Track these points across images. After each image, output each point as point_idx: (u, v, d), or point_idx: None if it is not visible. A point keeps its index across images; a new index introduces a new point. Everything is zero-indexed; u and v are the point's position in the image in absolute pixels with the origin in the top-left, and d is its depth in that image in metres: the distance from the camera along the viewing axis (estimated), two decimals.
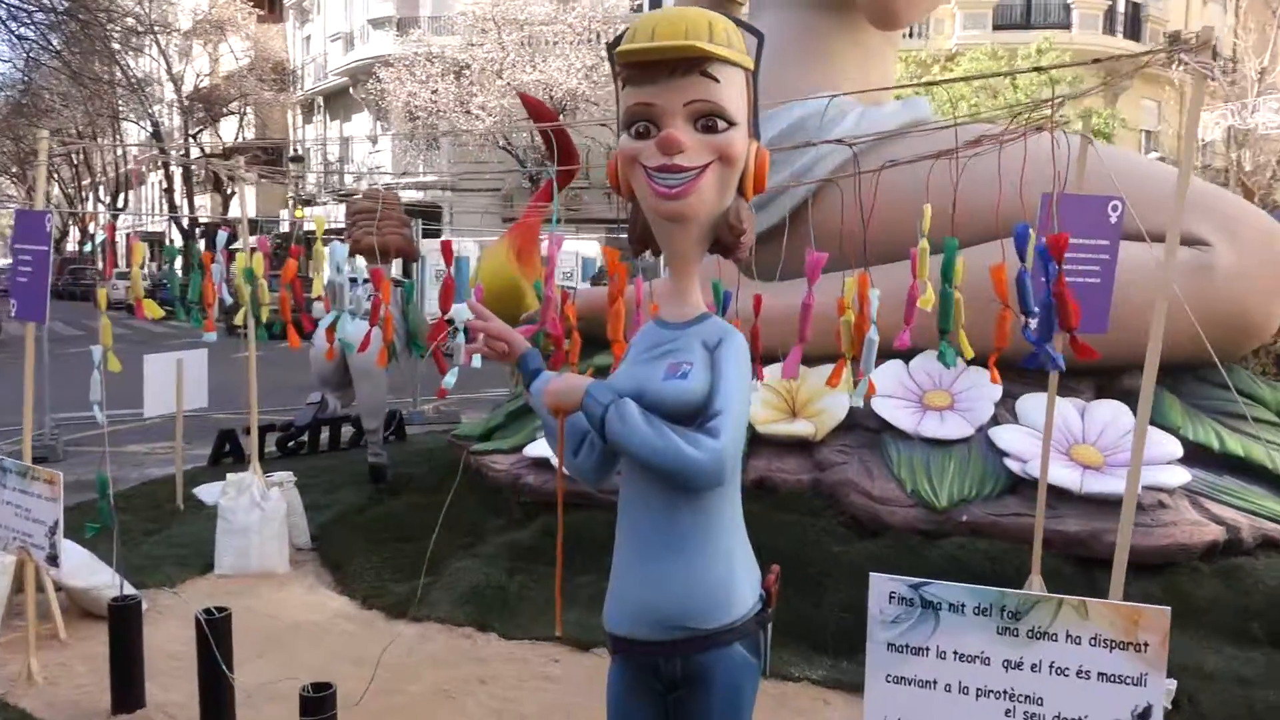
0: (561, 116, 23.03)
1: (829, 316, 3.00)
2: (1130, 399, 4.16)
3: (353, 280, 4.33)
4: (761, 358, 3.14)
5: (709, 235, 1.79)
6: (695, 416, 1.66)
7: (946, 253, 2.74)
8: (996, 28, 24.98)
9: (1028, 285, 2.54)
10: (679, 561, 1.67)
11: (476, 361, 4.74)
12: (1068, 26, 24.14)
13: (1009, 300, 2.60)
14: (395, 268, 8.84)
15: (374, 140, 28.27)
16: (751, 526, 1.77)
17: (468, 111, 22.49)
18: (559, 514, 1.88)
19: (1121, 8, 25.65)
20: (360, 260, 4.74)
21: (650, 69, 1.70)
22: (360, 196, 6.66)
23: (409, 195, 26.12)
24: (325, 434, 7.39)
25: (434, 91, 22.64)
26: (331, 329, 4.15)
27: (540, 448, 4.69)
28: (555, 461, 4.18)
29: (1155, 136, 27.83)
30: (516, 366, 1.99)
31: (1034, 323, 2.52)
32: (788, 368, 2.94)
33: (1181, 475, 3.85)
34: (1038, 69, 3.65)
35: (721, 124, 1.71)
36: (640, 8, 26.65)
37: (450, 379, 4.74)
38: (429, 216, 25.11)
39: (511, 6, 23.11)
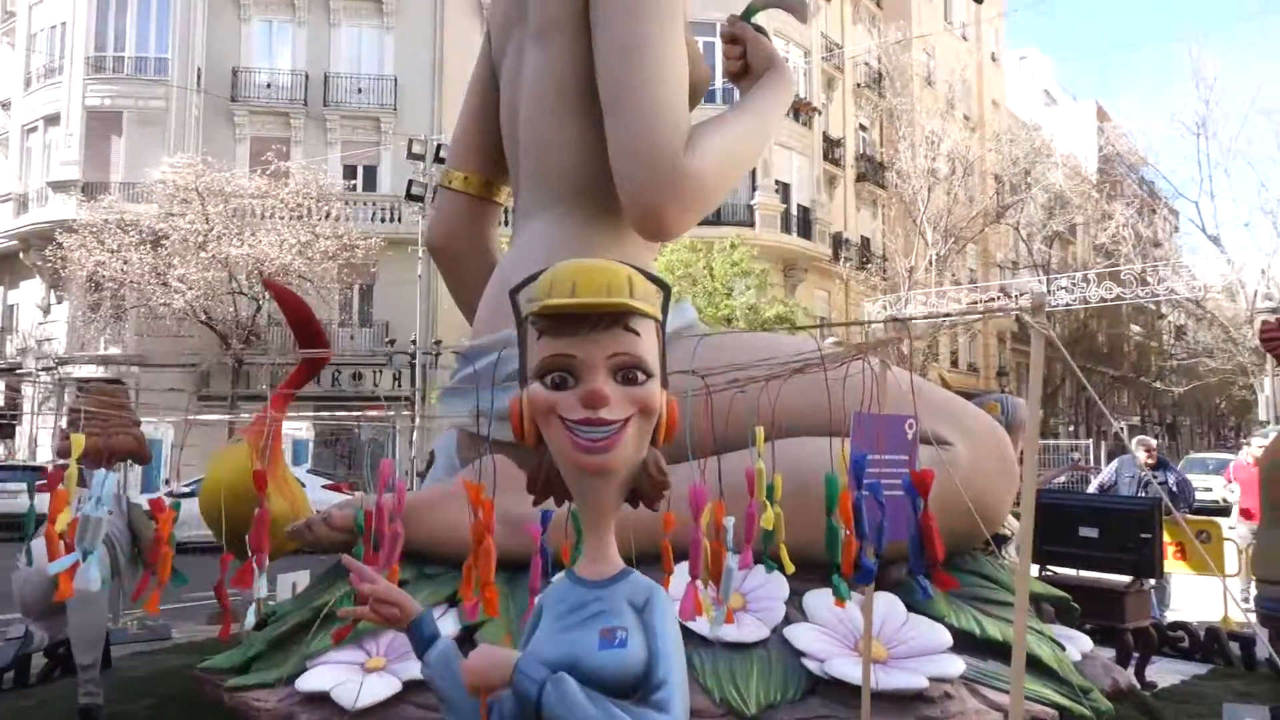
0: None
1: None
2: (899, 590, 4.46)
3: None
4: None
5: (627, 486, 1.77)
6: (634, 686, 1.59)
7: (829, 488, 2.85)
8: None
9: (863, 513, 2.70)
10: None
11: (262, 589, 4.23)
12: (752, 225, 26.95)
13: (850, 524, 2.74)
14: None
15: (45, 310, 25.62)
16: None
17: (164, 284, 21.06)
18: None
19: (795, 211, 29.12)
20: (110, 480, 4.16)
21: (571, 321, 1.71)
22: (79, 389, 5.92)
23: (86, 370, 23.69)
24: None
25: (125, 261, 21.04)
26: (70, 572, 3.56)
27: (317, 679, 4.19)
28: (340, 699, 3.71)
29: (827, 321, 31.30)
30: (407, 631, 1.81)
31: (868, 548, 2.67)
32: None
33: (958, 664, 4.14)
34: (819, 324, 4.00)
35: (641, 376, 1.74)
36: (354, 187, 26.70)
37: (250, 617, 4.19)
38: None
39: (217, 178, 22.31)
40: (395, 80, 27.41)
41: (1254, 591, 4.93)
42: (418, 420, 18.39)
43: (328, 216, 22.88)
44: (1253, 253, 28.00)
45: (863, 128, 34.57)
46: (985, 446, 4.95)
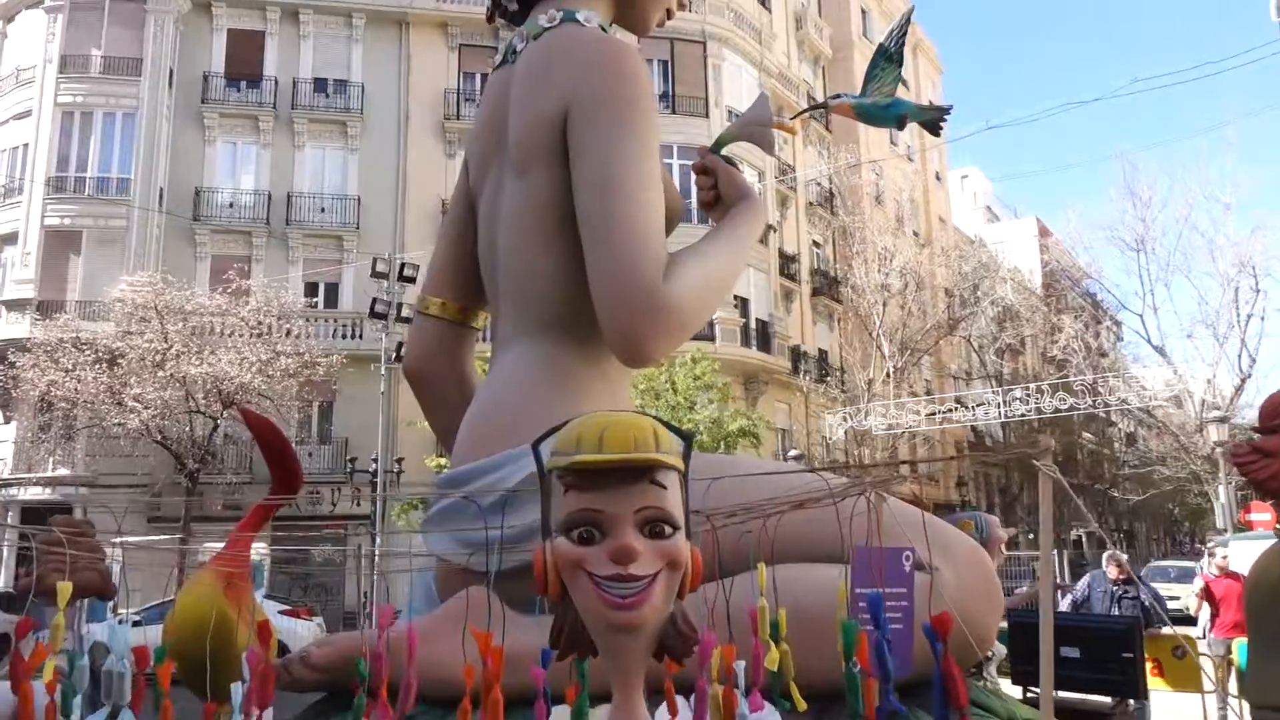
0: (232, 408, 21.84)
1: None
2: None
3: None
4: None
5: (655, 641, 1.77)
6: None
7: (846, 635, 2.82)
8: None
9: (885, 654, 2.66)
10: None
11: None
12: (712, 339, 27.32)
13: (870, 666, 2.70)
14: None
15: None
16: None
17: (119, 403, 20.70)
18: None
19: (754, 325, 29.61)
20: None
21: (598, 476, 1.71)
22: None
23: (33, 492, 23.01)
24: None
25: (79, 380, 20.70)
26: None
27: None
28: None
29: (788, 434, 31.50)
30: None
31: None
32: None
33: None
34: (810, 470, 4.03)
35: (668, 529, 1.73)
36: (316, 304, 26.72)
37: None
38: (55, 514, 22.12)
39: (177, 297, 22.23)
40: (358, 199, 27.80)
41: (1237, 711, 4.88)
42: (378, 540, 17.98)
43: (288, 334, 22.83)
44: (1196, 363, 28.84)
45: (816, 244, 35.56)
46: (971, 570, 4.94)
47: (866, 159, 34.79)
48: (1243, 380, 27.45)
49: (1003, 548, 6.10)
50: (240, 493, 23.61)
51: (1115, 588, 8.54)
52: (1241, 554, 15.92)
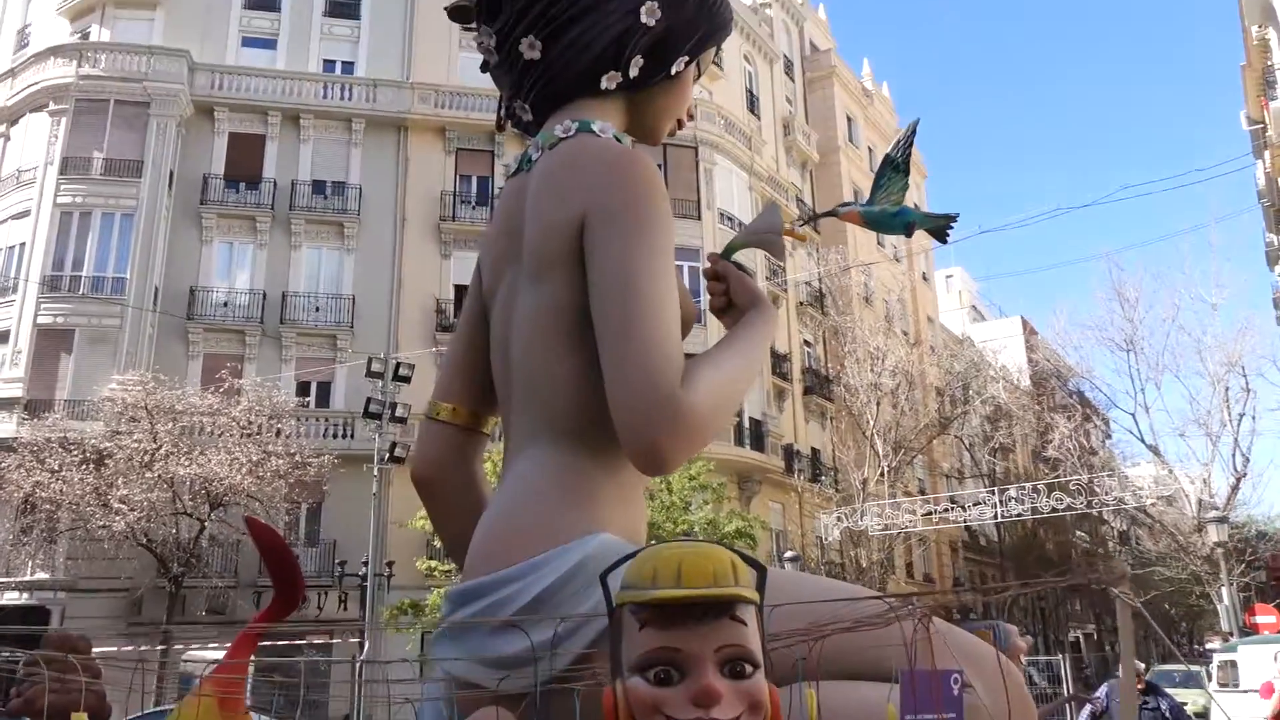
0: (220, 509, 21.50)
1: None
2: None
3: None
4: None
5: None
6: None
7: None
8: None
9: None
10: None
11: None
12: None
13: None
14: None
15: None
16: None
17: (105, 505, 20.34)
18: None
19: (747, 424, 29.56)
20: None
21: (677, 612, 1.62)
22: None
23: (9, 596, 22.41)
24: None
25: (65, 481, 20.37)
26: None
27: None
28: None
29: (783, 535, 31.14)
30: None
31: None
32: None
33: None
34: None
35: (749, 668, 1.64)
36: (308, 403, 26.56)
37: None
38: (31, 621, 21.49)
39: (168, 396, 22.08)
40: (353, 299, 27.96)
41: None
42: (367, 646, 17.52)
43: (279, 434, 22.62)
44: (1190, 461, 28.86)
45: (807, 343, 35.81)
46: (1004, 686, 4.81)
47: (855, 260, 35.34)
48: (1238, 479, 27.43)
49: (1023, 658, 5.96)
50: (225, 597, 23.06)
51: (1136, 699, 8.29)
52: (1252, 659, 15.65)
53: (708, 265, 5.80)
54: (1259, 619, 22.90)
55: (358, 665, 16.57)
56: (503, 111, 5.31)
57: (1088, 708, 9.21)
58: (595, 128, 4.65)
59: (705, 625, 1.59)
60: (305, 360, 27.09)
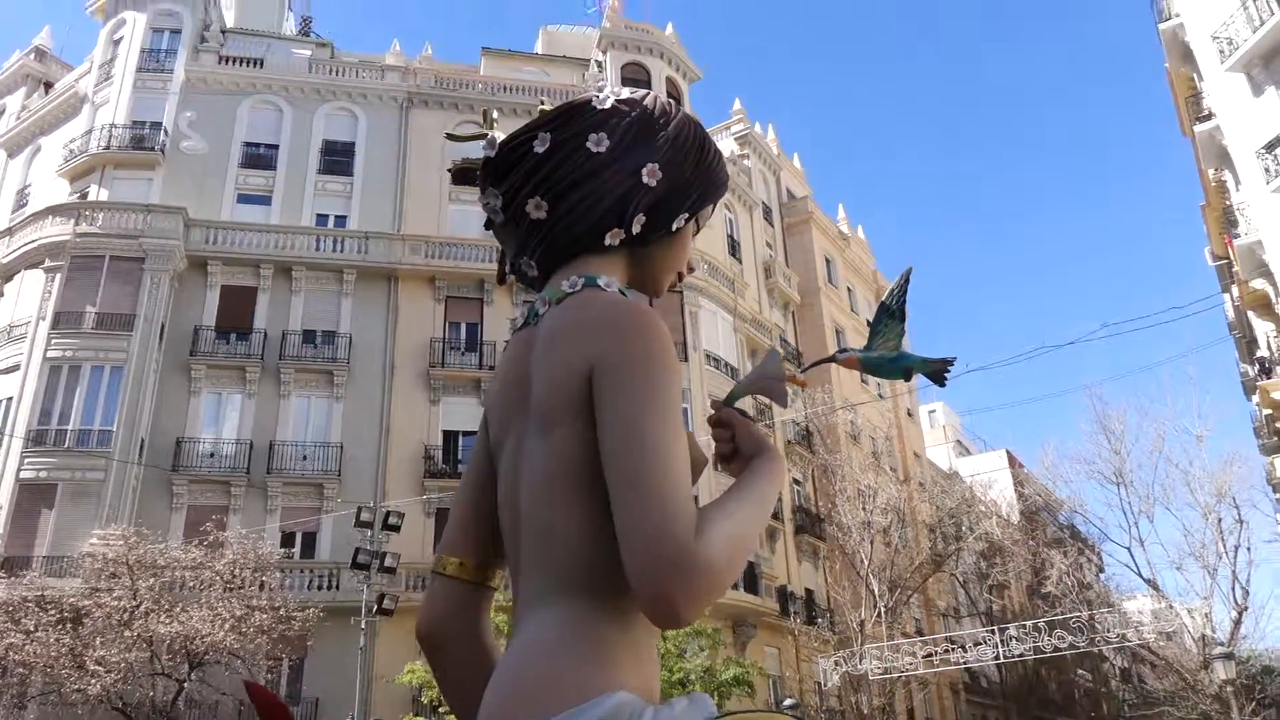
0: (200, 669, 20.77)
1: None
2: None
3: None
4: None
5: None
6: None
7: None
8: None
9: None
10: None
11: None
12: None
13: None
14: None
15: None
16: None
17: (80, 666, 19.61)
18: None
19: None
20: None
21: None
22: None
23: None
24: None
25: (40, 643, 19.68)
26: None
27: None
28: None
29: (780, 680, 30.21)
30: None
31: None
32: None
33: None
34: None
35: None
36: (293, 554, 26.07)
37: None
38: None
39: (150, 550, 21.63)
40: (341, 447, 27.83)
41: None
42: None
43: (262, 587, 22.07)
44: (1189, 595, 28.44)
45: (797, 482, 35.68)
46: None
47: (841, 398, 35.63)
48: (1239, 613, 26.99)
49: None
50: None
51: None
52: None
53: (711, 414, 5.90)
54: None
55: None
56: (507, 267, 5.51)
57: None
58: (601, 282, 4.85)
59: None
60: (291, 510, 26.73)
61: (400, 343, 29.55)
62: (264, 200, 31.71)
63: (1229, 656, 21.47)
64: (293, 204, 31.64)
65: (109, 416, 26.04)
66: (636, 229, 3.57)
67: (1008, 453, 57.26)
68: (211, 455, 27.28)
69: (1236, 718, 21.64)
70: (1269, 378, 28.41)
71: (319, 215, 31.94)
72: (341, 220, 31.91)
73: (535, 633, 5.28)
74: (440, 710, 20.16)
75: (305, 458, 27.63)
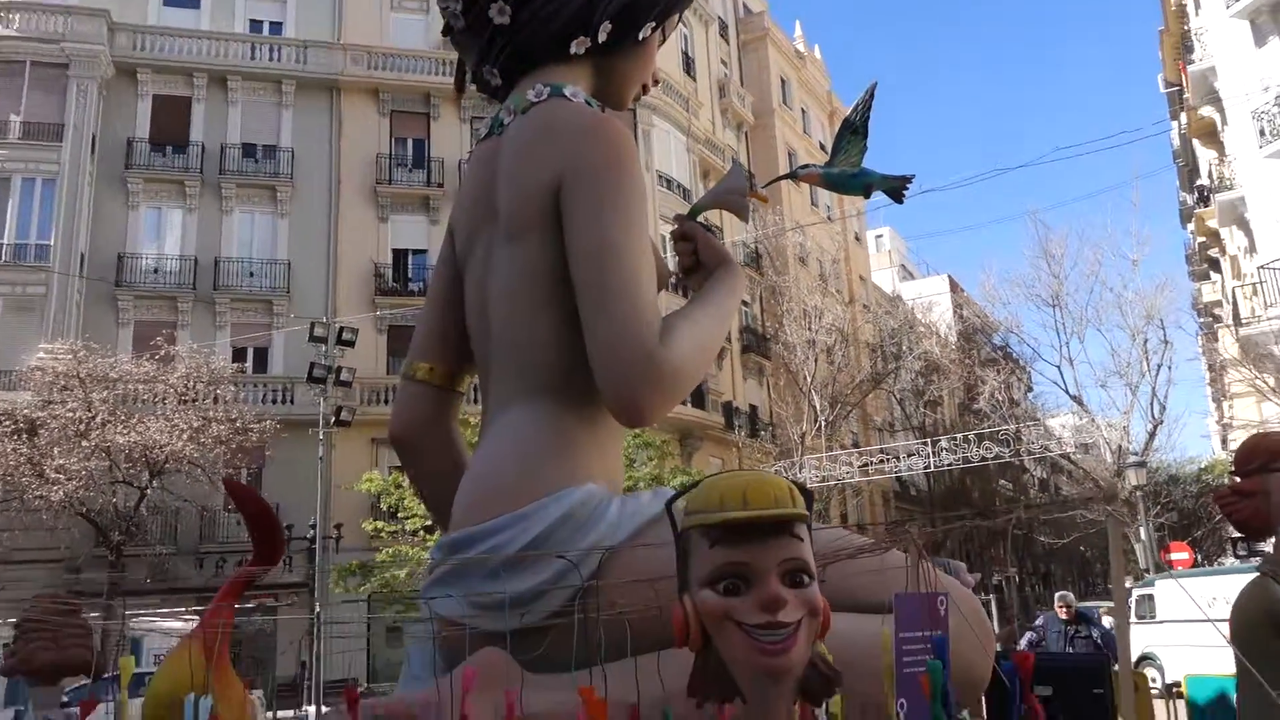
0: (160, 479, 21.28)
1: None
2: None
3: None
4: None
5: (798, 684, 1.81)
6: None
7: (934, 675, 2.95)
8: None
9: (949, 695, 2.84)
10: None
11: None
12: None
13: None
14: None
15: None
16: None
17: (40, 474, 19.98)
18: None
19: None
20: None
21: (745, 531, 1.81)
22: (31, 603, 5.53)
23: None
24: None
25: None
26: None
27: None
28: None
29: None
30: None
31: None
32: None
33: None
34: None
35: (806, 579, 1.84)
36: (245, 369, 26.25)
37: None
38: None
39: (100, 364, 21.65)
40: (288, 264, 27.57)
41: None
42: (318, 608, 17.62)
43: (217, 400, 22.36)
44: (1111, 410, 30.13)
45: (745, 303, 36.30)
46: (968, 614, 5.15)
47: (791, 220, 35.83)
48: (1155, 426, 28.76)
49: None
50: (169, 564, 22.87)
51: (1068, 628, 8.91)
52: (1167, 592, 16.62)
53: (675, 227, 6.17)
54: (1173, 555, 24.22)
55: (319, 622, 16.68)
56: (467, 76, 5.59)
57: (1026, 636, 9.83)
58: (567, 92, 4.95)
59: (770, 541, 1.83)
60: (241, 326, 26.71)
61: (345, 158, 28.81)
62: (192, 3, 29.91)
63: (1142, 464, 23.05)
64: (223, 8, 29.90)
65: (44, 230, 25.38)
66: (603, 37, 3.58)
67: (949, 277, 58.49)
68: (156, 271, 26.89)
69: (1142, 519, 23.45)
70: (1206, 205, 29.15)
71: (252, 21, 30.28)
72: (277, 27, 30.32)
73: (506, 433, 5.70)
74: (399, 515, 21.05)
75: (252, 274, 27.37)
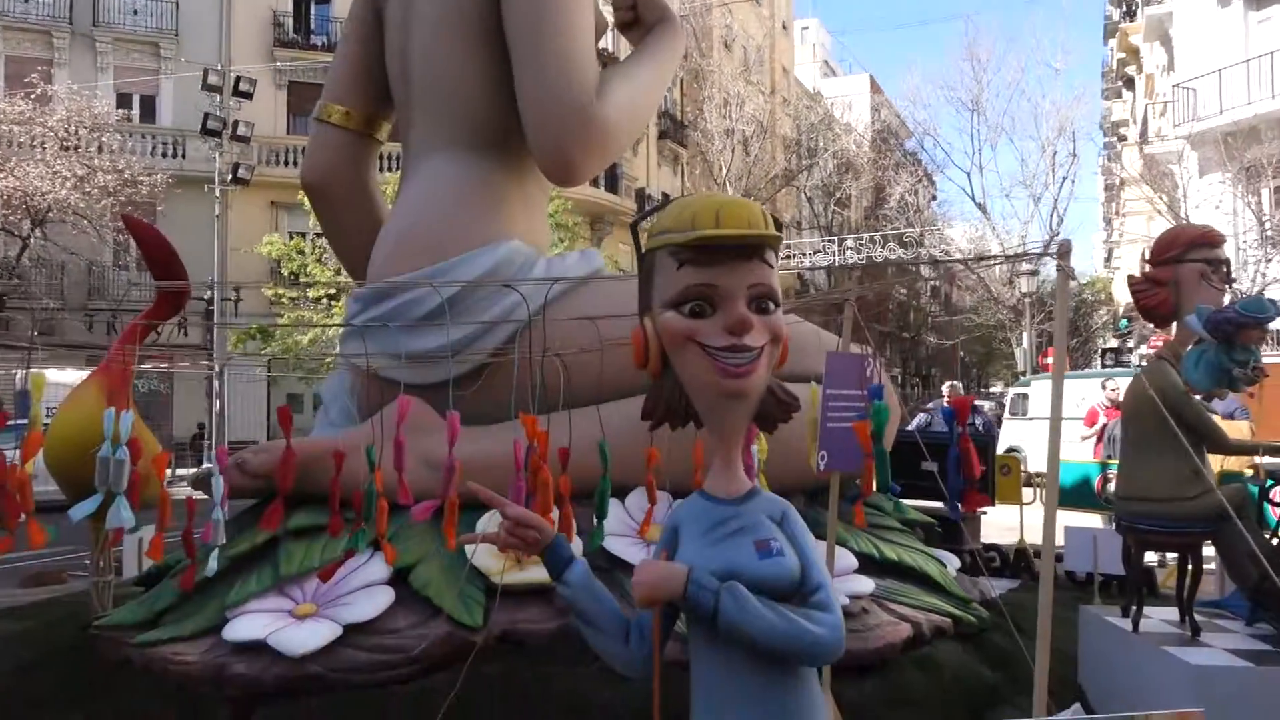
0: (43, 228, 20.07)
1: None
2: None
3: None
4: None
5: (756, 409, 1.84)
6: (791, 592, 1.69)
7: (879, 417, 3.05)
8: None
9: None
10: None
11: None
12: None
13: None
14: None
15: None
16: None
17: None
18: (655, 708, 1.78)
19: None
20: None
21: (714, 253, 1.74)
22: None
23: None
24: None
25: None
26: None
27: (246, 628, 4.00)
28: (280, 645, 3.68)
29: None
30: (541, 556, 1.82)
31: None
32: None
33: (868, 583, 4.55)
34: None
35: (772, 305, 1.80)
36: (131, 118, 24.43)
37: (212, 564, 3.98)
38: None
39: None
40: (177, 4, 25.21)
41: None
42: (218, 368, 17.31)
43: (100, 149, 20.86)
44: (1012, 220, 30.97)
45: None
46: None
47: (720, 3, 34.28)
48: (1051, 238, 29.70)
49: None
50: (55, 319, 21.96)
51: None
52: (1040, 393, 17.73)
53: None
54: (1049, 360, 25.69)
55: (218, 369, 16.45)
56: None
57: (920, 416, 10.44)
58: None
59: (739, 264, 1.75)
60: (125, 69, 24.63)
61: None
62: None
63: (1034, 273, 23.96)
64: None
65: None
66: None
67: (871, 78, 57.62)
68: (26, 0, 24.26)
69: (1027, 324, 24.61)
70: (1132, 20, 29.00)
71: None
72: None
73: (430, 184, 5.46)
74: (300, 280, 20.51)
75: (136, 12, 24.99)
